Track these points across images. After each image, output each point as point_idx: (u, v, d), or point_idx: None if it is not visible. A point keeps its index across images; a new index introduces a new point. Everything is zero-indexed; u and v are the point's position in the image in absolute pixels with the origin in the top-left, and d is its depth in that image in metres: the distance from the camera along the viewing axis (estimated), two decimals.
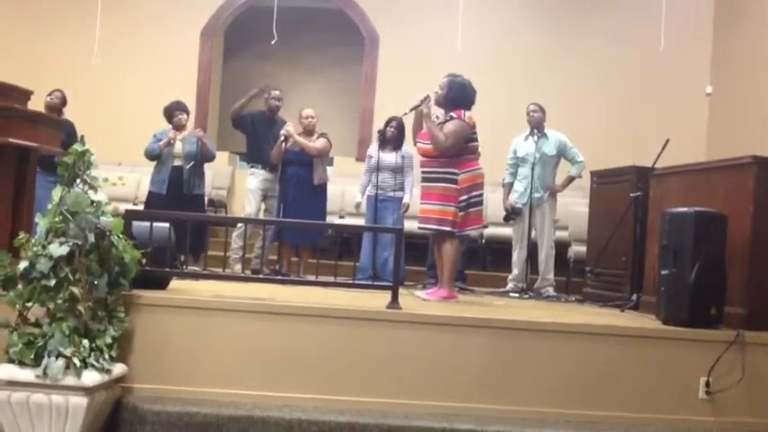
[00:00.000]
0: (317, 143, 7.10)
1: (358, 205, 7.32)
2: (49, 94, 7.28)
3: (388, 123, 7.18)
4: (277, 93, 7.36)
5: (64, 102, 7.34)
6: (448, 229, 5.40)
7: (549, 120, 7.02)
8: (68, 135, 6.76)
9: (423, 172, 5.57)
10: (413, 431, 3.81)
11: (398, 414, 3.94)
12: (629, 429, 4.01)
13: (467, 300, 5.77)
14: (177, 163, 6.98)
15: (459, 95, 5.53)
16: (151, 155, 7.06)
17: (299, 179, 7.04)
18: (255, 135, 7.23)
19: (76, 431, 3.56)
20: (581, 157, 6.98)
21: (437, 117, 5.61)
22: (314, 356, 4.09)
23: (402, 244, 4.97)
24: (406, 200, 7.06)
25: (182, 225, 5.07)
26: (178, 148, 7.00)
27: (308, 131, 7.19)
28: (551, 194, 6.96)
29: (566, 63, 9.77)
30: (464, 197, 5.40)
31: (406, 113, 5.80)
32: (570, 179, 7.04)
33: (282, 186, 7.14)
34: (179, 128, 7.12)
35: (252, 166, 7.31)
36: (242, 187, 8.17)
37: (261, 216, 7.17)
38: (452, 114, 5.49)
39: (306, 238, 7.02)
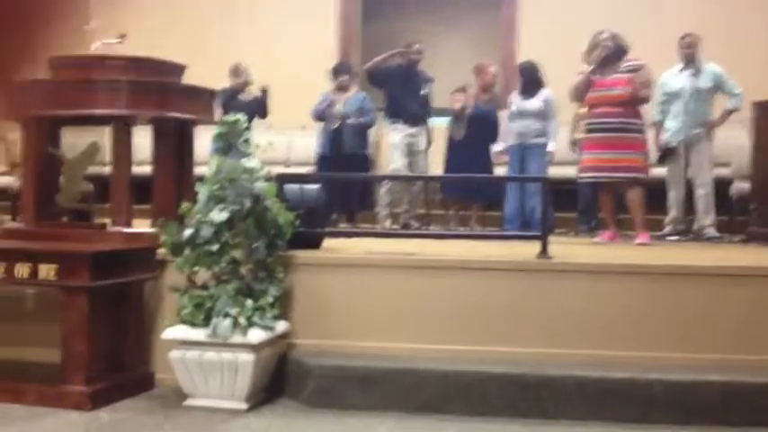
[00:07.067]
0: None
1: (497, 154, 7.22)
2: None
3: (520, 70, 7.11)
4: (418, 46, 7.32)
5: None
6: (642, 176, 5.66)
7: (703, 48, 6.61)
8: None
9: (605, 123, 5.66)
10: (569, 380, 3.78)
11: (554, 364, 3.90)
12: None
13: (621, 245, 5.62)
14: (337, 124, 7.21)
15: (623, 44, 5.62)
16: (314, 115, 7.43)
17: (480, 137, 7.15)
18: (394, 90, 7.21)
19: (246, 385, 3.79)
20: (738, 90, 6.54)
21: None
22: (465, 308, 4.12)
23: (548, 192, 4.89)
24: (550, 148, 6.89)
25: (335, 185, 5.22)
26: (339, 108, 7.22)
27: (487, 88, 7.41)
28: (708, 130, 6.58)
29: None
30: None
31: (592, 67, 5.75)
32: (728, 113, 6.62)
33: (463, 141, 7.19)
34: (340, 89, 7.29)
35: (393, 122, 7.32)
36: (387, 143, 8.23)
37: (406, 171, 7.21)
38: (636, 63, 5.65)
39: (475, 195, 7.14)
